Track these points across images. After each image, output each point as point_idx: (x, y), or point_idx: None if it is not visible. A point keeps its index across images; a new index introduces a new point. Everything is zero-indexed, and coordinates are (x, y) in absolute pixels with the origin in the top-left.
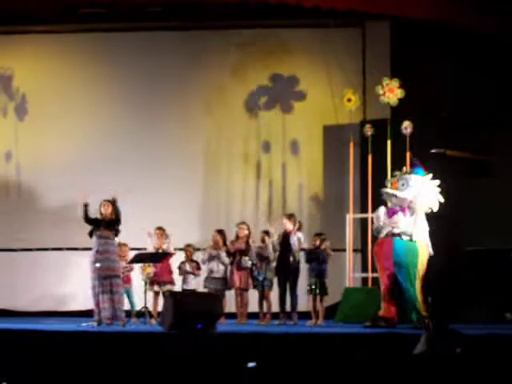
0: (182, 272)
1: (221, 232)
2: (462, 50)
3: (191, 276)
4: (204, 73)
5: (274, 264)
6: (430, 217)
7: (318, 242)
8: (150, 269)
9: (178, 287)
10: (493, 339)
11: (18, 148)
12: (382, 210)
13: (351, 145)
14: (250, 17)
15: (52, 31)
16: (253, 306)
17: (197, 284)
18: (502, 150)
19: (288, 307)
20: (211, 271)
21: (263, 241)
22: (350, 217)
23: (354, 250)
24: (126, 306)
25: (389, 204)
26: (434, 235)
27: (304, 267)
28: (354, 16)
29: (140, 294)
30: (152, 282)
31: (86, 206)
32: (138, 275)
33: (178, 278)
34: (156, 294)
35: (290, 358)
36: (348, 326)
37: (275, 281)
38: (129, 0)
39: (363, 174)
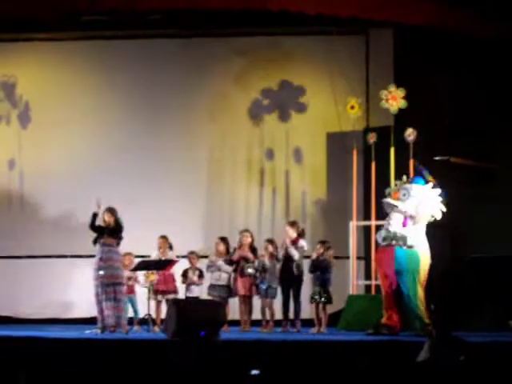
0: (186, 279)
1: (224, 239)
2: (466, 57)
3: (194, 283)
4: (207, 81)
5: (276, 273)
6: (434, 224)
7: (321, 250)
8: (154, 276)
9: (181, 295)
10: (496, 347)
11: (21, 156)
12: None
13: (354, 152)
14: (252, 24)
15: (54, 39)
16: (256, 314)
17: (200, 291)
18: (506, 158)
19: (291, 314)
20: (215, 279)
21: (266, 249)
22: (354, 224)
23: (358, 258)
24: (129, 314)
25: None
26: (437, 243)
27: (308, 275)
28: (357, 24)
29: (143, 302)
30: (155, 290)
31: (95, 215)
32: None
33: (181, 286)
34: (159, 301)
35: (293, 366)
36: (351, 333)
37: (278, 289)
38: (131, 8)
39: (366, 182)
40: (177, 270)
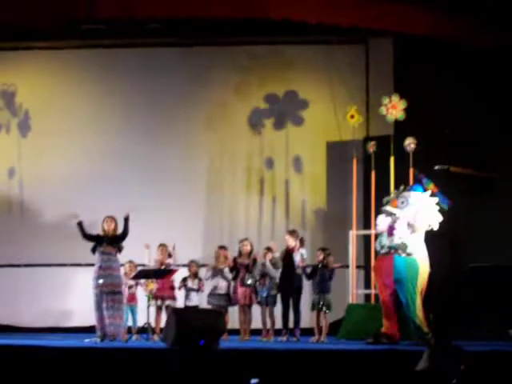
0: (187, 288)
1: (224, 248)
2: (465, 66)
3: (193, 292)
4: (206, 90)
5: (276, 280)
6: (433, 233)
7: (321, 257)
8: (153, 285)
9: (180, 303)
10: (496, 356)
11: (20, 164)
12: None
13: (354, 161)
14: (253, 33)
15: (54, 47)
16: (256, 323)
17: (199, 300)
18: (505, 167)
19: (291, 323)
20: (214, 287)
21: (265, 257)
22: (353, 233)
23: (357, 267)
24: (129, 323)
25: (389, 221)
26: (436, 251)
27: (307, 283)
28: (357, 33)
29: (143, 310)
30: (154, 297)
31: (79, 224)
32: (141, 291)
33: (180, 294)
34: (158, 309)
35: (292, 375)
36: (351, 342)
37: (278, 297)
38: (130, 16)
39: (366, 191)
40: (176, 278)
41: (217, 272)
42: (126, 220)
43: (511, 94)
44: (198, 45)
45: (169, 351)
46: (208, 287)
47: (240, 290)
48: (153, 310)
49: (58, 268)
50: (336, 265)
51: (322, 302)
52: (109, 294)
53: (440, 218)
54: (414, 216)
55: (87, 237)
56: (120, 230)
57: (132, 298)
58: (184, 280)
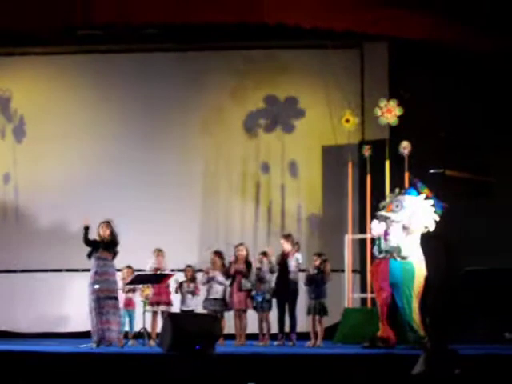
0: (183, 291)
1: (219, 253)
2: (461, 70)
3: (189, 297)
4: (202, 94)
5: (272, 285)
6: (429, 236)
7: (318, 263)
8: (149, 290)
9: (176, 308)
10: (491, 360)
11: (16, 170)
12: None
13: (350, 165)
14: (248, 38)
15: (50, 53)
16: (251, 327)
17: (195, 305)
18: (501, 171)
19: (287, 328)
20: (210, 292)
21: (261, 262)
22: (349, 237)
23: (353, 271)
24: (126, 328)
25: (384, 226)
26: (432, 255)
27: (303, 287)
28: (352, 37)
29: (139, 315)
30: (150, 303)
31: (86, 229)
32: (137, 296)
33: (175, 299)
34: (155, 314)
35: (289, 379)
36: (347, 346)
37: (274, 301)
38: (126, 22)
39: (362, 195)
40: (172, 283)
41: (211, 277)
42: (109, 225)
43: (507, 98)
44: (193, 50)
45: (165, 356)
46: (204, 292)
47: (235, 295)
48: (149, 315)
49: (54, 273)
50: (330, 272)
51: (317, 307)
52: (105, 299)
53: (436, 218)
54: (410, 219)
55: (88, 242)
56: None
57: (130, 303)
58: (180, 284)
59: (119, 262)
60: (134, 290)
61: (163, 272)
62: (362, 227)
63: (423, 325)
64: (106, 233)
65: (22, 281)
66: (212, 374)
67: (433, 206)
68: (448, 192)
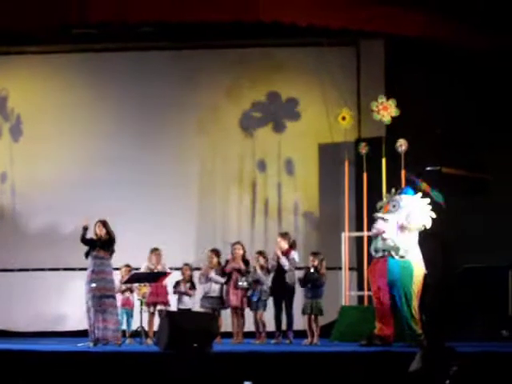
0: (177, 291)
1: (216, 251)
2: (456, 68)
3: (186, 295)
4: (198, 93)
5: (268, 285)
6: (426, 234)
7: (315, 262)
8: (146, 288)
9: (173, 307)
10: (488, 357)
11: (12, 169)
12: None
13: (346, 163)
14: (244, 36)
15: (46, 52)
16: (248, 326)
17: (192, 303)
18: (498, 168)
19: (284, 326)
20: (207, 290)
21: (257, 261)
22: (346, 235)
23: (350, 269)
24: (123, 326)
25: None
26: (429, 253)
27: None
28: (348, 35)
29: (136, 314)
30: (147, 302)
31: (85, 229)
32: (134, 295)
33: (173, 297)
34: (151, 313)
35: (286, 377)
36: (344, 344)
37: (270, 300)
38: (122, 20)
39: (358, 193)
40: (170, 282)
41: (208, 276)
42: (104, 224)
43: (502, 95)
44: (188, 48)
45: (162, 355)
46: (201, 290)
47: (232, 293)
48: (146, 313)
49: (52, 272)
50: (326, 272)
51: (313, 307)
52: (102, 297)
53: (433, 215)
54: (407, 218)
55: (86, 241)
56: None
57: (127, 301)
58: (177, 284)
59: (117, 261)
60: (131, 289)
61: (160, 271)
62: (358, 225)
63: (421, 322)
64: (101, 231)
65: (20, 280)
66: (209, 373)
67: (435, 198)
68: (445, 189)
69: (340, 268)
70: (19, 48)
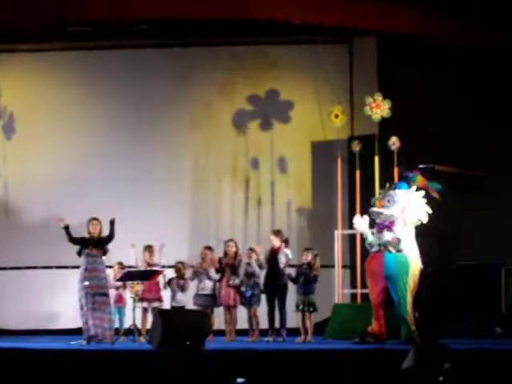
0: (171, 288)
1: (209, 248)
2: (450, 65)
3: (179, 293)
4: (191, 90)
5: (261, 280)
6: (420, 231)
7: (309, 258)
8: (139, 286)
9: (166, 304)
10: (481, 354)
11: (5, 167)
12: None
13: (339, 161)
14: (237, 34)
15: (39, 50)
16: (241, 323)
17: (185, 301)
18: (491, 165)
19: (277, 324)
20: (200, 288)
21: (249, 257)
22: (339, 233)
23: (343, 266)
24: (116, 324)
25: (377, 220)
26: (423, 249)
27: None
28: (341, 32)
29: (129, 312)
30: (140, 299)
31: (66, 228)
32: (127, 293)
33: (166, 295)
34: (145, 311)
35: (279, 375)
36: (337, 342)
37: (263, 297)
38: (116, 18)
39: (351, 190)
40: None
41: (201, 272)
42: (112, 223)
43: (496, 92)
44: (182, 46)
45: (155, 353)
46: (193, 288)
47: (224, 291)
48: (139, 311)
49: (44, 270)
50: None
51: (305, 304)
52: (95, 295)
53: (429, 210)
54: (402, 213)
55: (73, 240)
56: (106, 233)
57: (120, 299)
58: (170, 281)
59: (109, 259)
60: (124, 287)
61: (153, 268)
62: (351, 222)
63: (414, 319)
64: (96, 229)
65: (13, 278)
66: (202, 371)
67: (433, 189)
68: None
69: (333, 266)
70: (12, 46)
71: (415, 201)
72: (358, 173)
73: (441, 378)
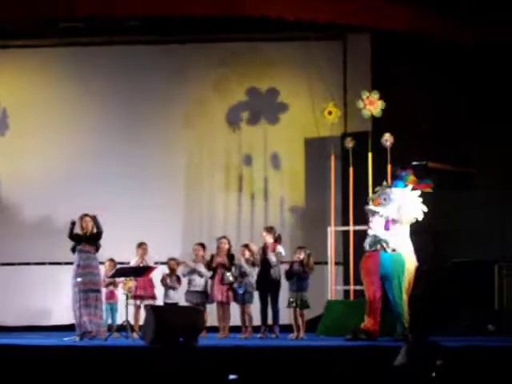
0: (163, 285)
1: (202, 245)
2: (443, 62)
3: (172, 290)
4: (185, 87)
5: (254, 277)
6: (415, 229)
7: (301, 256)
8: (132, 283)
9: (159, 301)
10: (473, 351)
11: None
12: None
13: (332, 157)
14: (231, 30)
15: (32, 46)
16: (234, 320)
17: (179, 298)
18: (484, 162)
19: (270, 320)
20: (192, 284)
21: (243, 254)
22: (332, 229)
23: (336, 263)
24: (109, 321)
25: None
26: (416, 247)
27: (285, 279)
28: (334, 29)
29: (122, 308)
30: (134, 296)
31: (73, 224)
32: (119, 289)
33: (159, 292)
34: (137, 307)
35: (272, 372)
36: (330, 338)
37: (256, 294)
38: (109, 14)
39: (345, 187)
40: (157, 276)
41: (193, 269)
42: (95, 219)
43: (489, 89)
44: (175, 42)
45: (148, 349)
46: (185, 284)
47: (217, 288)
48: (131, 307)
49: (38, 267)
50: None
51: (298, 300)
52: (88, 292)
53: (425, 208)
54: (398, 211)
55: (73, 237)
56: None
57: (112, 295)
58: (163, 278)
59: (102, 255)
60: (115, 283)
61: (146, 265)
62: (344, 219)
63: (409, 316)
64: (88, 226)
65: (5, 274)
66: (195, 367)
67: (426, 185)
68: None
69: (326, 262)
70: (4, 42)
71: (411, 199)
72: (351, 169)
73: (433, 376)
